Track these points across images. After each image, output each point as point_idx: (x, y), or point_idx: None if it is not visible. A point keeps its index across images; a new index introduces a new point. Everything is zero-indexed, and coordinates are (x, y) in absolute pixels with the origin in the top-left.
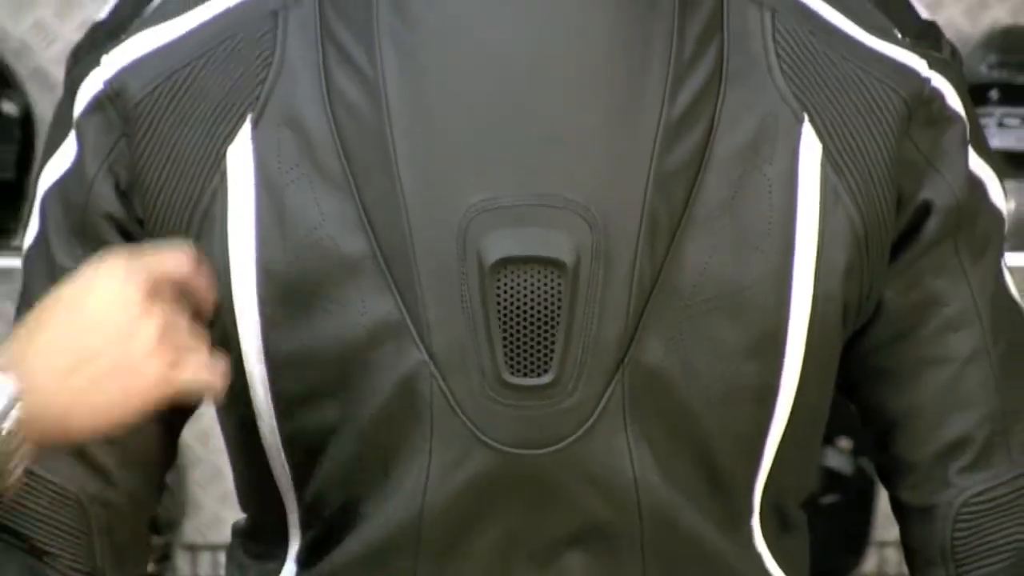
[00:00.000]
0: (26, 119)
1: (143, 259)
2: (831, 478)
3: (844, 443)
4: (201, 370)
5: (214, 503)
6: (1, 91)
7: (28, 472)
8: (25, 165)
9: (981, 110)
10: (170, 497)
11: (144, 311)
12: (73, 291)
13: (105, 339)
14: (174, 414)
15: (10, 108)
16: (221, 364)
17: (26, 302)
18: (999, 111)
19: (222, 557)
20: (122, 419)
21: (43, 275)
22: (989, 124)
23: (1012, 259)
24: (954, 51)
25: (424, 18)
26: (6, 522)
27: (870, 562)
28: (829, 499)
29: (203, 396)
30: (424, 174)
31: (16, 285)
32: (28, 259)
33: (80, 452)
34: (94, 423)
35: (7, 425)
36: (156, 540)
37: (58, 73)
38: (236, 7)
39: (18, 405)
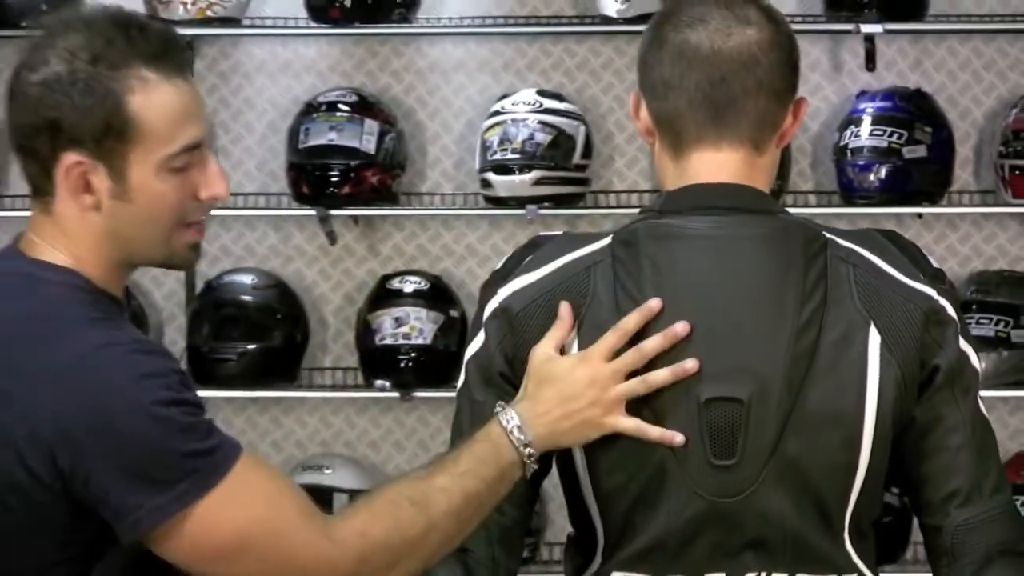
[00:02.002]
0: (463, 319)
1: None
2: (887, 507)
3: (894, 489)
4: (627, 422)
5: (563, 521)
6: (450, 305)
7: None
8: (461, 341)
9: (966, 315)
10: (537, 518)
11: (594, 382)
12: (554, 370)
13: (576, 401)
14: (537, 475)
15: (455, 313)
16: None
17: (457, 421)
18: (977, 315)
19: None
20: (584, 440)
21: (466, 405)
22: (971, 322)
23: (983, 393)
24: (952, 284)
25: (664, 266)
26: None
27: (908, 553)
28: (886, 519)
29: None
30: (670, 351)
31: (450, 409)
32: (459, 395)
33: None
34: (567, 442)
35: (520, 437)
36: (528, 540)
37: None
38: (565, 264)
39: (528, 433)
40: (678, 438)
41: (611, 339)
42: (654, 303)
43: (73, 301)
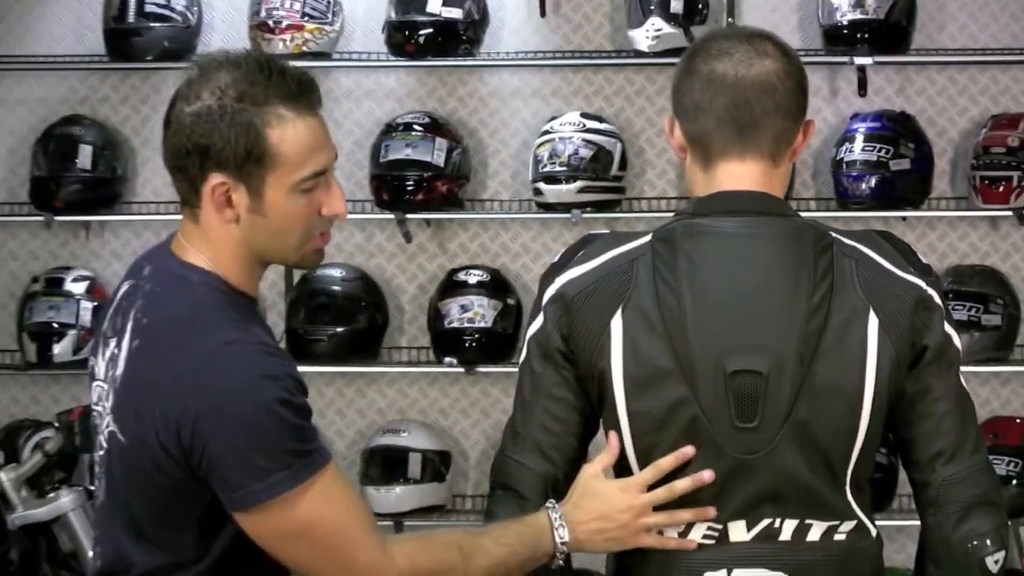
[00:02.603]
0: (518, 306)
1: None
2: (877, 465)
3: (883, 450)
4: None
5: None
6: (508, 294)
7: (521, 463)
8: (517, 324)
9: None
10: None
11: (630, 509)
12: (599, 489)
13: (611, 522)
14: (587, 435)
15: (512, 301)
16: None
17: (519, 388)
18: (953, 302)
19: None
20: (607, 551)
21: (527, 376)
22: (947, 308)
23: (964, 368)
24: (938, 277)
25: (696, 259)
26: (512, 486)
27: (895, 503)
28: (877, 475)
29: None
30: (701, 332)
31: (512, 383)
32: (521, 368)
33: (543, 454)
34: (593, 549)
35: (562, 536)
36: None
37: (532, 287)
38: (612, 258)
39: (566, 534)
40: (692, 546)
41: (649, 474)
42: (688, 450)
43: (214, 304)
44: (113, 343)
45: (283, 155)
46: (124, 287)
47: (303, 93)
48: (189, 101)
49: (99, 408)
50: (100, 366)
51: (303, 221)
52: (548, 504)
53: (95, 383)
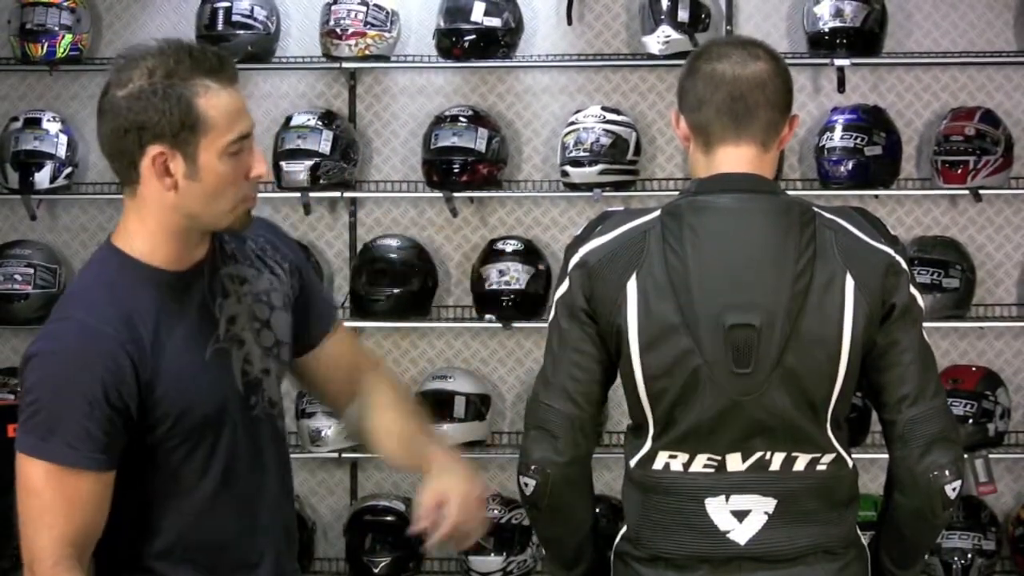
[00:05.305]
0: (548, 271)
1: None
2: (852, 406)
3: (858, 393)
4: None
5: (619, 415)
6: (539, 261)
7: (551, 407)
8: (547, 286)
9: (909, 268)
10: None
11: None
12: None
13: None
14: (607, 383)
15: (542, 266)
16: None
17: (548, 343)
18: (917, 268)
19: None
20: None
21: (556, 332)
22: (912, 272)
23: (927, 324)
24: (904, 246)
25: (699, 230)
26: (545, 426)
27: (869, 439)
28: (853, 414)
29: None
30: (703, 291)
31: (542, 337)
32: (550, 326)
33: (571, 399)
34: None
35: None
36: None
37: (559, 254)
38: (627, 231)
39: None
40: None
41: None
42: None
43: (94, 283)
44: None
45: (212, 120)
46: None
47: (223, 67)
48: (121, 86)
49: None
50: None
51: (233, 183)
52: None
53: None
